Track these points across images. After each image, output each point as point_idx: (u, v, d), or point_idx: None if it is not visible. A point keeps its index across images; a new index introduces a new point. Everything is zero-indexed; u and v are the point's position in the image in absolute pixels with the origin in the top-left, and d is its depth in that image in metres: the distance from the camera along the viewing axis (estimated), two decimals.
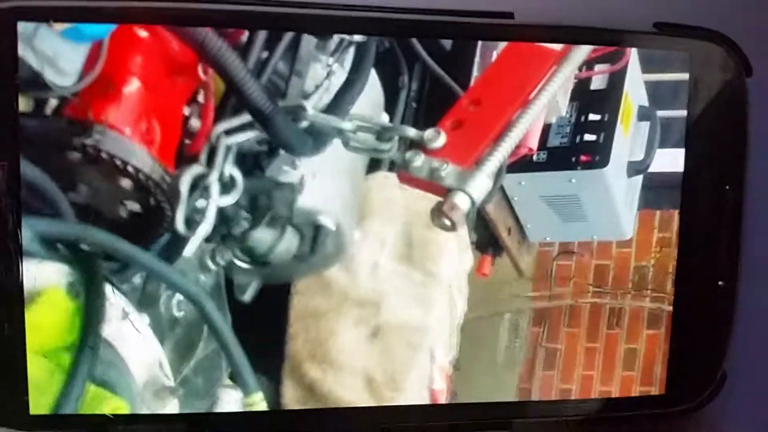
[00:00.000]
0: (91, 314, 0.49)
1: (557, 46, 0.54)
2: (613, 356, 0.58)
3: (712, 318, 0.57)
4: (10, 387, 0.49)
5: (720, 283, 0.56)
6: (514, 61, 0.54)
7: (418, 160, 0.53)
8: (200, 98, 0.52)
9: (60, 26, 0.46)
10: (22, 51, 0.46)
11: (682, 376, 0.57)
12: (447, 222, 0.53)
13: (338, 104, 0.53)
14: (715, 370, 0.57)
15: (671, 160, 0.57)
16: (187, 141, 0.52)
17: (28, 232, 0.48)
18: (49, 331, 0.49)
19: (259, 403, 0.54)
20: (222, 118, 0.52)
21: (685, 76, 0.54)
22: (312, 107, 0.52)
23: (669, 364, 0.57)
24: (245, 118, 0.52)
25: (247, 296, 0.54)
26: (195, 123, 0.52)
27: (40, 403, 0.49)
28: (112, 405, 0.50)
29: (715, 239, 0.56)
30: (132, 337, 0.51)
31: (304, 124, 0.52)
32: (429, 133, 0.53)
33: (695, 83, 0.55)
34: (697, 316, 0.57)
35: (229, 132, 0.52)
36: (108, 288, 0.50)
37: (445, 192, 0.53)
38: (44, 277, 0.49)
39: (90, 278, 0.49)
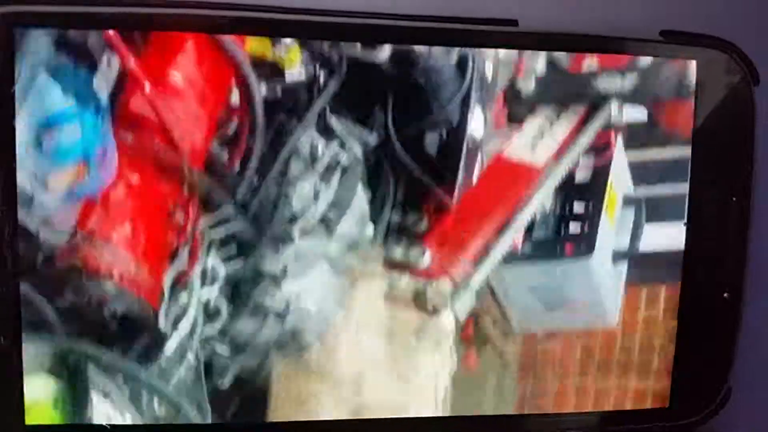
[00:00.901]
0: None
1: (539, 164, 0.52)
2: None
3: (717, 330, 0.53)
4: (5, 398, 0.46)
5: (725, 295, 0.52)
6: (497, 178, 0.51)
7: (404, 280, 0.50)
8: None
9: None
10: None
11: (686, 389, 0.53)
12: (433, 340, 0.50)
13: (327, 226, 0.50)
14: (719, 383, 0.53)
15: (658, 237, 0.54)
16: (168, 236, 0.49)
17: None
18: None
19: None
20: (205, 211, 0.48)
21: (684, 150, 0.52)
22: (299, 230, 0.49)
23: (673, 376, 0.53)
24: (229, 211, 0.48)
25: (225, 382, 0.50)
26: (178, 218, 0.48)
27: None
28: None
29: (720, 251, 0.52)
30: None
31: (291, 249, 0.49)
32: (414, 252, 0.50)
33: (701, 92, 0.50)
34: (701, 328, 0.53)
35: (212, 226, 0.48)
36: (94, 396, 0.48)
37: (431, 310, 0.51)
38: (31, 391, 0.46)
39: (76, 390, 0.47)
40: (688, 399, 0.52)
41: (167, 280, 0.48)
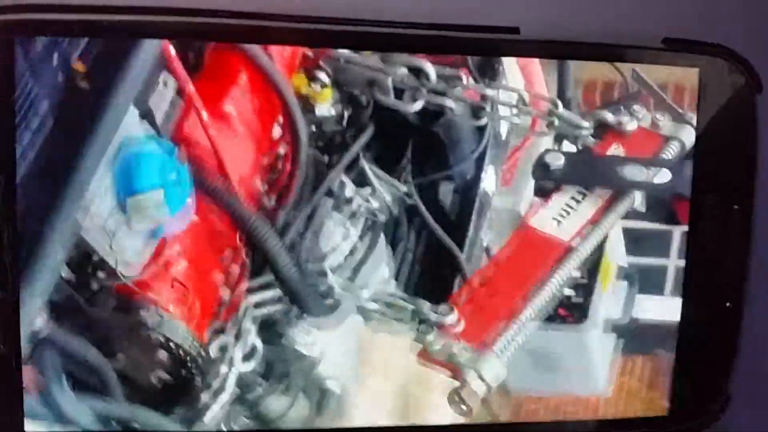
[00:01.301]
0: None
1: (565, 239, 0.53)
2: None
3: (718, 339, 0.52)
4: (4, 402, 0.44)
5: (728, 304, 0.51)
6: (526, 249, 0.52)
7: (439, 342, 0.50)
8: (232, 270, 0.49)
9: (135, 216, 0.44)
10: (98, 246, 0.43)
11: (686, 397, 0.52)
12: (464, 407, 0.50)
13: (353, 269, 0.50)
14: (719, 391, 0.52)
15: (646, 309, 0.54)
16: (217, 310, 0.49)
17: (87, 410, 0.44)
18: None
19: None
20: (252, 290, 0.49)
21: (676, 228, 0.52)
22: (328, 267, 0.50)
23: (673, 384, 0.52)
24: (275, 291, 0.48)
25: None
26: (226, 294, 0.48)
27: None
28: None
29: (722, 259, 0.51)
30: None
31: (328, 302, 0.49)
32: (448, 314, 0.50)
33: (704, 100, 0.49)
34: (702, 336, 0.52)
35: (258, 305, 0.48)
36: None
37: (461, 374, 0.50)
38: None
39: None
40: (687, 407, 0.51)
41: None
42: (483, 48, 0.48)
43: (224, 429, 0.48)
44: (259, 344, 0.48)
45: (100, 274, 0.44)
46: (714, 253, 0.51)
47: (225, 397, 0.48)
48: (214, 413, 0.47)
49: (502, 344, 0.50)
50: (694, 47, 0.49)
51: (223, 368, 0.48)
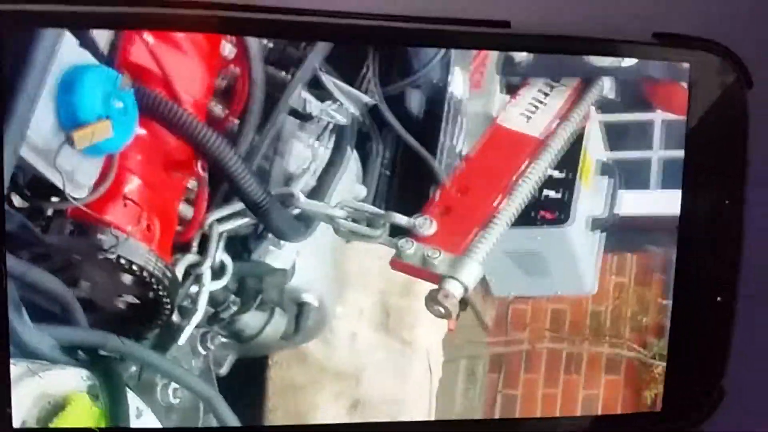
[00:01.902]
0: (117, 417, 0.44)
1: (536, 133, 0.52)
2: (572, 402, 0.54)
3: (710, 334, 0.51)
4: None
5: (718, 298, 0.51)
6: (496, 149, 0.51)
7: (411, 248, 0.49)
8: (191, 187, 0.48)
9: (81, 145, 0.42)
10: (44, 169, 0.42)
11: (679, 393, 0.52)
12: (441, 309, 0.49)
13: (324, 186, 0.49)
14: (713, 386, 0.51)
15: (628, 204, 0.54)
16: (179, 229, 0.48)
17: (50, 340, 0.43)
18: None
19: None
20: (214, 206, 0.48)
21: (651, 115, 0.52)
22: (300, 190, 0.49)
23: (666, 380, 0.52)
24: (237, 206, 0.47)
25: (224, 370, 0.50)
26: (188, 212, 0.47)
27: None
28: None
29: (713, 254, 0.51)
30: None
31: (295, 211, 0.48)
32: (419, 220, 0.49)
33: (694, 95, 0.49)
34: (694, 331, 0.52)
35: (221, 220, 0.48)
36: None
37: (439, 279, 0.49)
38: (67, 383, 0.43)
39: (110, 381, 0.44)
40: (681, 403, 0.51)
41: None
42: (473, 41, 0.48)
43: (201, 350, 0.48)
44: (228, 260, 0.48)
45: (53, 199, 0.42)
46: (705, 248, 0.50)
47: (198, 317, 0.47)
48: (188, 334, 0.47)
49: (479, 246, 0.49)
50: (684, 42, 0.48)
51: (193, 288, 0.47)
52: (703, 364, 0.51)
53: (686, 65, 0.49)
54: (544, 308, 0.53)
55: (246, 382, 0.50)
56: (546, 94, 0.51)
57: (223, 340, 0.49)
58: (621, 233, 0.53)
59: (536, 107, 0.51)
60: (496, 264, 0.51)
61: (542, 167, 0.51)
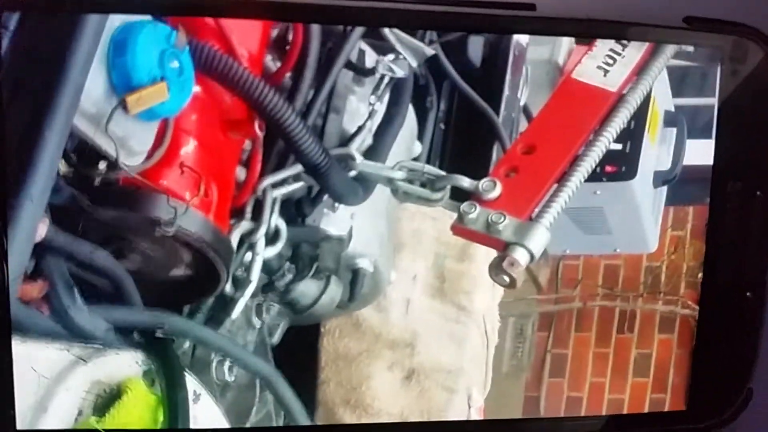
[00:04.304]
0: (176, 403, 0.43)
1: (614, 88, 0.49)
2: (624, 362, 0.54)
3: (739, 331, 0.50)
4: None
5: (748, 294, 0.49)
6: (567, 104, 0.49)
7: (474, 212, 0.47)
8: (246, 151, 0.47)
9: (135, 110, 0.43)
10: (95, 136, 0.39)
11: (706, 391, 0.51)
12: (506, 278, 0.47)
13: (381, 145, 0.48)
14: (740, 385, 0.50)
15: (690, 155, 0.52)
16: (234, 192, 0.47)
17: (104, 322, 0.42)
18: (137, 427, 0.42)
19: None
20: (268, 170, 0.46)
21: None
22: (356, 150, 0.47)
23: (692, 378, 0.51)
24: (293, 170, 0.46)
25: (275, 338, 0.49)
26: (242, 175, 0.46)
27: None
28: None
29: (743, 248, 0.49)
30: (204, 419, 0.44)
31: (353, 173, 0.47)
32: (484, 183, 0.47)
33: (727, 81, 0.48)
34: (723, 328, 0.50)
35: (275, 184, 0.46)
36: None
37: (504, 246, 0.46)
38: (122, 369, 0.42)
39: (167, 364, 0.43)
40: (707, 401, 0.50)
41: None
42: (499, 25, 0.46)
43: (256, 322, 0.47)
44: (282, 226, 0.46)
45: (102, 166, 0.40)
46: (734, 242, 0.49)
47: (252, 287, 0.46)
48: (242, 306, 0.45)
49: (547, 211, 0.47)
50: (717, 26, 0.47)
51: (247, 256, 0.45)
52: (730, 363, 0.50)
53: (718, 50, 0.47)
54: (597, 264, 0.52)
55: (298, 351, 0.48)
56: (624, 46, 0.48)
57: (278, 308, 0.47)
58: (680, 185, 0.51)
59: (614, 60, 0.48)
60: (556, 222, 0.49)
61: (619, 125, 0.48)
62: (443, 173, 0.47)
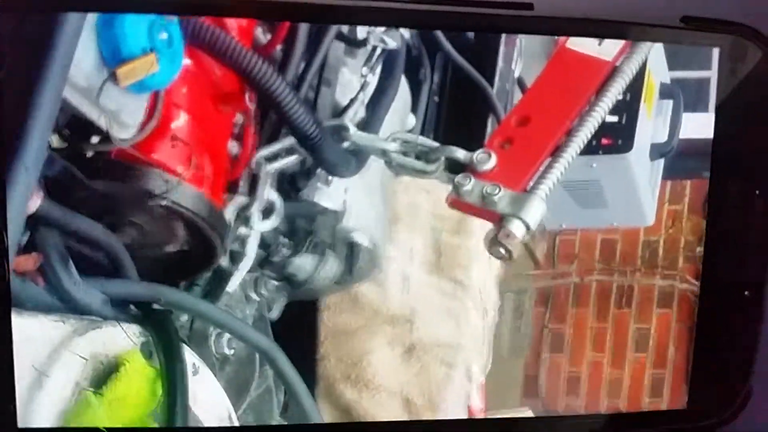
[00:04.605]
0: (174, 375, 0.43)
1: (609, 57, 0.49)
2: (623, 336, 0.54)
3: (738, 330, 0.51)
4: None
5: (746, 293, 0.50)
6: (562, 74, 0.49)
7: (468, 184, 0.47)
8: (238, 122, 0.47)
9: (126, 82, 0.43)
10: (86, 109, 0.40)
11: (705, 391, 0.51)
12: (502, 250, 0.47)
13: (374, 117, 0.48)
14: (740, 384, 0.50)
15: (688, 128, 0.52)
16: (228, 166, 0.47)
17: (100, 295, 0.42)
18: (133, 401, 0.42)
19: None
20: (261, 143, 0.47)
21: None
22: (349, 121, 0.48)
23: (692, 377, 0.51)
24: (286, 142, 0.46)
25: (274, 314, 0.49)
26: (235, 149, 0.46)
27: None
28: None
29: (742, 247, 0.50)
30: (202, 393, 0.45)
31: (347, 144, 0.47)
32: (479, 154, 0.47)
33: (724, 81, 0.48)
34: (722, 327, 0.51)
35: (269, 157, 0.46)
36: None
37: (499, 218, 0.47)
38: (119, 342, 0.42)
39: (164, 337, 0.43)
40: (707, 401, 0.51)
41: None
42: (496, 24, 0.46)
43: (254, 297, 0.48)
44: (277, 199, 0.46)
45: (94, 140, 0.40)
46: (733, 240, 0.50)
47: (248, 261, 0.46)
48: (239, 280, 0.46)
49: (542, 182, 0.47)
50: (714, 26, 0.47)
51: (243, 230, 0.46)
52: (730, 361, 0.51)
53: (715, 49, 0.48)
54: (594, 239, 0.52)
55: (297, 327, 0.49)
56: None
57: (276, 284, 0.48)
58: (677, 159, 0.51)
59: None
60: (551, 196, 0.49)
61: (614, 95, 0.48)
62: (437, 145, 0.47)
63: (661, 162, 0.51)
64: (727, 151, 0.48)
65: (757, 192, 0.48)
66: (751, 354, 0.49)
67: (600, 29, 0.47)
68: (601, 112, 0.47)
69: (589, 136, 0.47)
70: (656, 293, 0.53)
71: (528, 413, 0.52)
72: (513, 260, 0.47)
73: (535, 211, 0.46)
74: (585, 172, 0.50)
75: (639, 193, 0.51)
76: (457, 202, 0.46)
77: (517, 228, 0.45)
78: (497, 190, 0.45)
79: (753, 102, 0.48)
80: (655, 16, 0.46)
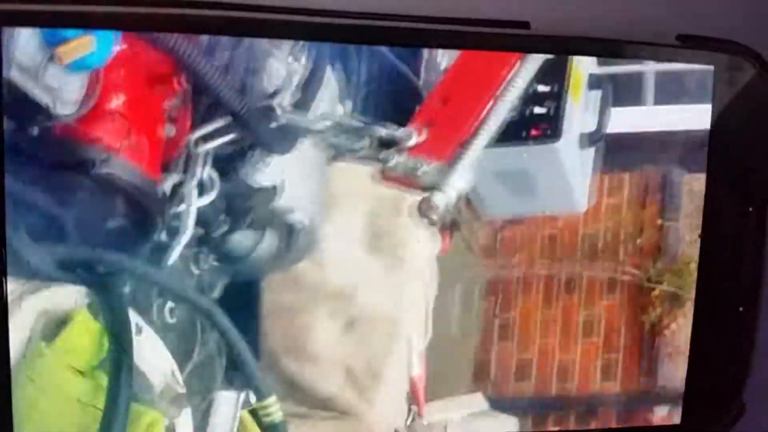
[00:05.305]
0: (119, 332, 0.48)
1: None
2: (572, 324, 0.56)
3: (731, 345, 0.52)
4: None
5: (740, 309, 0.52)
6: (478, 57, 0.53)
7: (396, 159, 0.52)
8: (174, 104, 0.51)
9: (67, 59, 0.46)
10: (33, 88, 0.45)
11: (698, 406, 0.53)
12: (432, 218, 0.52)
13: (303, 104, 0.52)
14: (733, 399, 0.52)
15: (622, 120, 0.55)
16: (164, 148, 0.51)
17: (48, 257, 0.47)
18: (82, 352, 0.48)
19: (274, 405, 0.53)
20: (197, 124, 0.51)
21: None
22: (278, 105, 0.52)
23: (686, 392, 0.53)
24: (220, 122, 0.50)
25: (216, 294, 0.53)
26: (171, 131, 0.51)
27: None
28: (149, 418, 0.50)
29: (736, 263, 0.52)
30: (147, 350, 0.50)
31: (274, 124, 0.52)
32: (403, 131, 0.52)
33: (719, 99, 0.50)
34: (715, 343, 0.52)
35: (205, 137, 0.51)
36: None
37: (427, 188, 0.52)
38: (67, 301, 0.48)
39: (109, 298, 0.48)
40: (700, 416, 0.53)
41: None
42: (492, 43, 0.49)
43: (194, 270, 0.51)
44: (214, 176, 0.51)
45: (39, 118, 0.46)
46: (727, 256, 0.52)
47: (186, 237, 0.50)
48: (177, 254, 0.50)
49: (465, 153, 0.52)
50: (709, 44, 0.49)
51: (181, 206, 0.50)
52: (723, 376, 0.53)
53: (711, 68, 0.50)
54: (536, 234, 0.55)
55: (239, 306, 0.52)
56: None
57: (215, 263, 0.51)
58: (615, 152, 0.54)
59: None
60: (483, 184, 0.53)
61: (530, 72, 0.52)
62: (363, 124, 0.52)
63: (592, 150, 0.53)
64: (721, 167, 0.51)
65: (751, 209, 0.51)
66: (744, 369, 0.52)
67: (596, 48, 0.50)
68: (517, 91, 0.52)
69: (507, 111, 0.52)
70: (600, 284, 0.54)
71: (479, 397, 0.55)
72: (444, 233, 0.52)
73: (459, 179, 0.52)
74: (516, 162, 0.53)
75: (569, 181, 0.54)
76: (386, 176, 0.52)
77: (440, 199, 0.52)
78: (420, 164, 0.51)
79: (747, 119, 0.50)
80: (651, 35, 0.50)
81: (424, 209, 0.52)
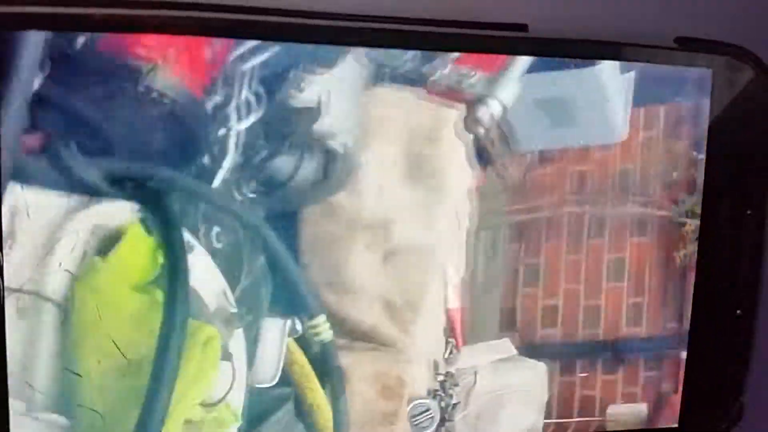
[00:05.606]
0: (173, 246, 0.49)
1: None
2: (598, 267, 0.56)
3: (730, 348, 0.53)
4: None
5: (738, 311, 0.52)
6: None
7: (437, 72, 0.51)
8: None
9: None
10: None
11: (697, 408, 0.53)
12: (480, 130, 0.51)
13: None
14: (732, 402, 0.53)
15: None
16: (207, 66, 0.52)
17: (98, 171, 0.48)
18: (137, 267, 0.48)
19: (323, 324, 0.54)
20: (237, 42, 0.51)
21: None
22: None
23: (684, 395, 0.53)
24: (257, 41, 0.51)
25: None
26: (212, 47, 0.51)
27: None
28: (207, 334, 0.50)
29: (734, 266, 0.52)
30: (199, 269, 0.50)
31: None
32: None
33: (718, 102, 0.51)
34: (713, 345, 0.53)
35: (244, 57, 0.51)
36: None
37: (475, 100, 0.51)
38: (119, 216, 0.48)
39: (161, 213, 0.49)
40: (699, 418, 0.53)
41: None
42: (490, 45, 0.49)
43: (237, 196, 0.52)
44: (256, 96, 0.51)
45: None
46: (725, 259, 0.52)
47: (228, 161, 0.51)
48: (221, 179, 0.51)
49: (513, 66, 0.51)
50: (708, 47, 0.50)
51: (221, 130, 0.51)
52: (721, 379, 0.53)
53: (709, 71, 0.51)
54: (567, 171, 0.55)
55: (279, 239, 0.52)
56: None
57: (256, 190, 0.52)
58: (651, 84, 0.54)
59: None
60: (522, 115, 0.53)
61: None
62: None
63: (632, 77, 0.53)
64: (719, 171, 0.51)
65: (749, 212, 0.52)
66: (743, 372, 0.53)
67: (594, 50, 0.51)
68: None
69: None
70: (630, 221, 0.54)
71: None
72: (491, 143, 0.52)
73: (510, 90, 0.51)
74: (557, 89, 0.53)
75: (608, 106, 0.53)
76: (431, 91, 0.51)
77: (494, 107, 0.51)
78: (472, 73, 0.51)
79: (745, 122, 0.51)
80: (649, 38, 0.50)
81: (469, 123, 0.52)
